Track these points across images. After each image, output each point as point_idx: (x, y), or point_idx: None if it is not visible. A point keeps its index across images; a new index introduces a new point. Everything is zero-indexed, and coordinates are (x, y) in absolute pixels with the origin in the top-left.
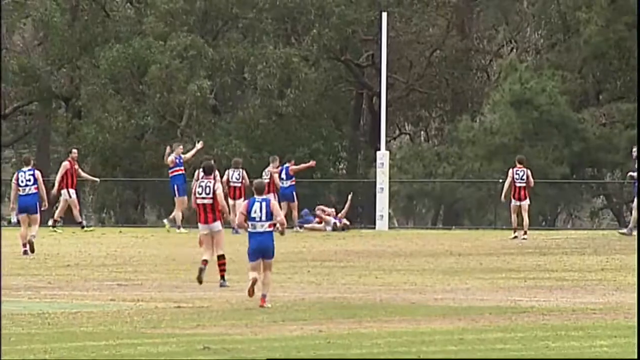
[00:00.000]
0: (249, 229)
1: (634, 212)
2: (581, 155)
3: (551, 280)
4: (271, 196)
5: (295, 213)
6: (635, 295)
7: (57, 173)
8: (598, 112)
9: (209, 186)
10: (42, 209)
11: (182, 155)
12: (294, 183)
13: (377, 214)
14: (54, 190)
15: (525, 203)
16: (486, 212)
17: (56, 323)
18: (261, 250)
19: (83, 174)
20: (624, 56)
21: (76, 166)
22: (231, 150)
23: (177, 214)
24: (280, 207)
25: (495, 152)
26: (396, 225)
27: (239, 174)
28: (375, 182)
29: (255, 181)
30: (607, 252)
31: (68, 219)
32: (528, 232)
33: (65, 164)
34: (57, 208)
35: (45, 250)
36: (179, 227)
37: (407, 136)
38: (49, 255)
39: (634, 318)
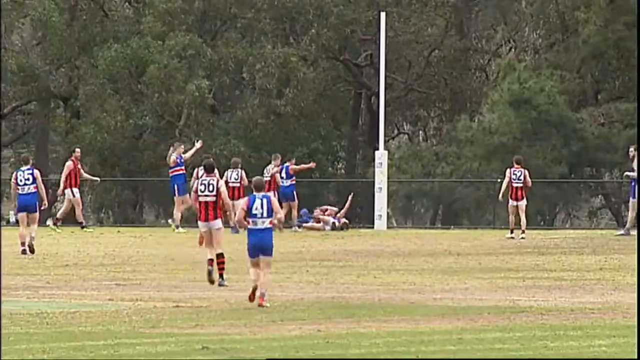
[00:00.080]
0: (249, 226)
1: (630, 212)
2: (580, 155)
3: (550, 280)
4: (271, 194)
5: (295, 212)
6: (635, 294)
7: (55, 172)
8: (597, 112)
9: (212, 184)
10: (42, 208)
11: (183, 155)
12: (294, 182)
13: (376, 213)
14: (59, 190)
15: (522, 203)
16: (485, 212)
17: (55, 323)
18: (260, 246)
19: (84, 175)
20: (623, 56)
21: (79, 165)
22: (230, 150)
23: (176, 213)
24: (281, 206)
25: (494, 152)
26: (395, 225)
27: (237, 174)
28: (373, 181)
29: (255, 178)
30: (605, 252)
31: (68, 219)
32: (526, 231)
33: (69, 164)
34: (56, 207)
35: (44, 250)
36: (177, 227)
37: (406, 136)
38: (48, 255)
39: (632, 317)
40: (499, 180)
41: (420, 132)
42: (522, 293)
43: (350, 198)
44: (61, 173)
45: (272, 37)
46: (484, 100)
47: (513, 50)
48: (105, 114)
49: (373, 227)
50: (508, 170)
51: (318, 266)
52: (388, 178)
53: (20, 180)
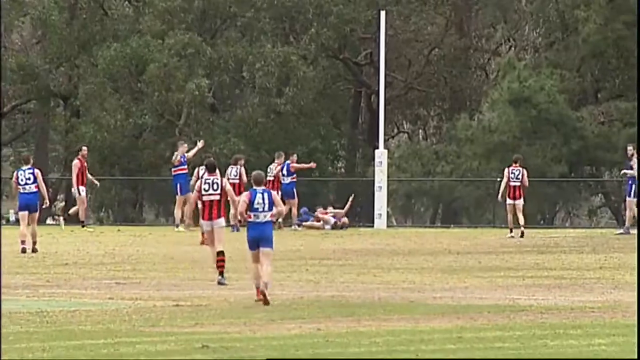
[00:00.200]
0: (250, 219)
1: (628, 211)
2: (579, 153)
3: (549, 278)
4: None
5: (294, 210)
6: (635, 293)
7: (55, 171)
8: (596, 111)
9: (217, 182)
10: (44, 206)
11: (186, 154)
12: (294, 180)
13: (376, 212)
14: (73, 189)
15: (520, 202)
16: (485, 211)
17: (54, 321)
18: (260, 238)
19: (88, 176)
20: (623, 55)
21: (86, 164)
22: (230, 149)
23: (177, 212)
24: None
25: (494, 151)
26: (394, 223)
27: (236, 171)
28: (373, 180)
29: (254, 173)
30: (605, 251)
31: (69, 217)
32: (525, 230)
33: (76, 162)
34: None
35: (44, 248)
36: (177, 226)
37: (406, 135)
38: (48, 254)
39: (632, 316)
40: (498, 179)
41: (420, 130)
42: (522, 292)
43: (350, 199)
44: (61, 172)
45: (272, 36)
46: (484, 99)
47: (513, 48)
48: (105, 113)
49: (373, 226)
50: (507, 169)
51: (318, 265)
52: (388, 177)
53: (22, 180)
